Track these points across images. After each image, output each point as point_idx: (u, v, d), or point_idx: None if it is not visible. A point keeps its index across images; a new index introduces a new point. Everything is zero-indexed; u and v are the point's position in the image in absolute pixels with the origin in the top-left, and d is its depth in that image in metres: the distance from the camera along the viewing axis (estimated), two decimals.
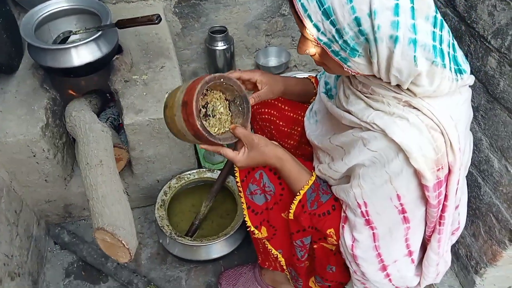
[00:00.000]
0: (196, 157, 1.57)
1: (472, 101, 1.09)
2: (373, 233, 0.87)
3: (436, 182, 0.77)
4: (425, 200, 0.81)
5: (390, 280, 0.92)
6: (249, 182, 1.02)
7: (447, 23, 0.86)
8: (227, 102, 0.96)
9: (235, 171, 1.05)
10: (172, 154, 1.43)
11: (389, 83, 0.77)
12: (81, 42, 1.25)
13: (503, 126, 1.03)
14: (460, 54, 0.80)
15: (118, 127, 1.60)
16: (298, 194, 0.95)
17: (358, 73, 0.78)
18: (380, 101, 0.80)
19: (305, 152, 1.24)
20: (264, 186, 1.02)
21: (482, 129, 1.11)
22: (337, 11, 0.68)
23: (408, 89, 0.77)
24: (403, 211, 0.83)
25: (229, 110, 0.96)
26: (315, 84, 1.18)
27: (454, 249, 1.33)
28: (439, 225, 0.85)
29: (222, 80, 0.89)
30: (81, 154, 1.11)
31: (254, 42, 2.04)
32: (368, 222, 0.87)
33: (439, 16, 0.72)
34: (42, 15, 1.35)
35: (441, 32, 0.73)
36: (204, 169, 1.50)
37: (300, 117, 1.19)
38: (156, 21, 1.18)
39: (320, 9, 0.70)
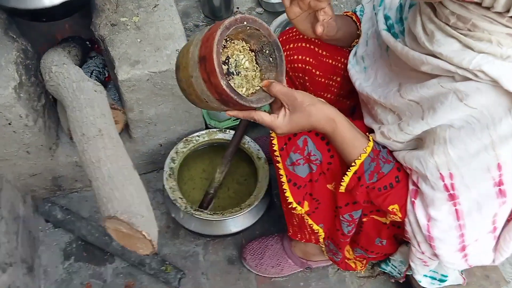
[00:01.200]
0: None
1: None
2: (456, 209, 0.71)
3: None
4: None
5: (466, 260, 0.78)
6: (290, 151, 0.84)
7: None
8: (253, 53, 0.77)
9: (271, 138, 0.86)
10: (177, 113, 1.20)
11: (500, 13, 0.57)
12: None
13: None
14: None
15: (104, 82, 1.33)
16: (353, 164, 0.77)
17: None
18: (486, 40, 0.60)
19: (343, 107, 1.05)
20: (309, 154, 0.84)
21: None
22: None
23: None
24: (499, 183, 0.67)
25: (256, 63, 0.77)
26: (357, 23, 0.96)
27: None
28: None
29: (245, 23, 0.69)
30: (72, 122, 0.87)
31: None
32: (452, 197, 0.70)
33: None
34: None
35: None
36: (215, 130, 1.29)
37: (340, 64, 0.97)
38: None
39: None
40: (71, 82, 0.93)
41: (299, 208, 0.92)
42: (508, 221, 0.78)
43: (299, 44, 0.95)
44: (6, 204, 1.15)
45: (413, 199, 0.76)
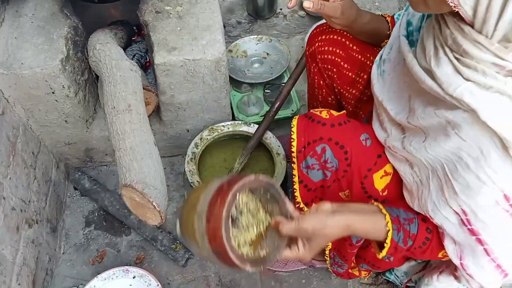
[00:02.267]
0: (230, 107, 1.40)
1: None
2: (484, 248, 0.70)
3: None
4: None
5: (505, 275, 0.75)
6: (307, 155, 0.87)
7: None
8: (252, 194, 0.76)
9: (292, 140, 0.89)
10: (206, 101, 1.26)
11: (490, 39, 0.55)
12: None
13: None
14: None
15: (145, 66, 1.42)
16: (385, 243, 0.77)
17: (456, 5, 0.54)
18: (473, 68, 0.59)
19: (359, 118, 1.06)
20: (326, 162, 0.86)
21: None
22: None
23: None
24: None
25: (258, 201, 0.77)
26: (390, 24, 0.97)
27: None
28: None
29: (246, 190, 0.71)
30: (106, 95, 0.95)
31: None
32: (473, 233, 0.69)
33: None
34: None
35: None
36: (240, 122, 1.33)
37: (368, 62, 0.98)
38: None
39: None
40: (111, 59, 1.01)
41: (306, 209, 0.94)
42: None
43: (331, 36, 0.97)
44: (41, 166, 1.25)
45: (444, 242, 0.76)
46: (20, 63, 1.07)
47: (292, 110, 1.49)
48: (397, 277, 1.08)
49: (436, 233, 0.77)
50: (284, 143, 1.32)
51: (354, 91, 1.03)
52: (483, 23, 0.54)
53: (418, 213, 0.79)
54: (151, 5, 1.20)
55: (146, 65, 1.42)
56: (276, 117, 1.28)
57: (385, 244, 0.77)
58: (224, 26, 1.81)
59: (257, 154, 1.32)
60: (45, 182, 1.26)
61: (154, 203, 0.81)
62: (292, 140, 0.90)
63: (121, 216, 1.31)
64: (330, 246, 1.03)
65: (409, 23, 0.78)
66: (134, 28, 1.41)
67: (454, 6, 0.54)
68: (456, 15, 0.57)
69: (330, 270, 1.16)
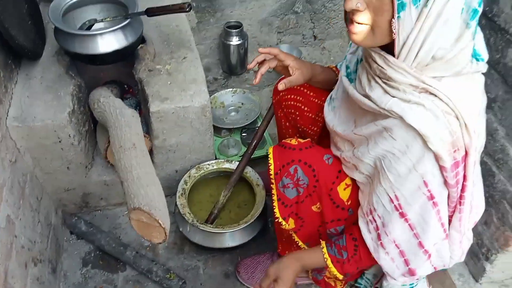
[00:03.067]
0: None
1: (489, 92, 1.16)
2: (409, 224, 0.90)
3: (453, 163, 0.81)
4: (445, 184, 0.84)
5: (430, 262, 0.95)
6: (282, 176, 1.05)
7: None
8: None
9: (269, 164, 1.07)
10: (193, 143, 1.45)
11: (410, 65, 0.78)
12: (109, 30, 1.27)
13: None
14: (480, 45, 0.82)
15: None
16: (326, 259, 1.03)
17: (392, 36, 0.76)
18: (396, 88, 0.81)
19: (324, 145, 1.27)
20: (298, 180, 1.04)
21: (499, 119, 1.16)
22: None
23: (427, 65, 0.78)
24: (431, 197, 0.86)
25: None
26: (336, 72, 1.22)
27: None
28: (460, 205, 0.89)
29: None
30: (113, 137, 1.12)
31: (266, 39, 2.08)
32: (402, 215, 0.89)
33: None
34: (68, 2, 1.36)
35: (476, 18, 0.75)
36: (222, 160, 1.52)
37: (323, 104, 1.22)
38: (187, 9, 1.21)
39: None
40: (115, 108, 1.20)
41: (284, 223, 1.10)
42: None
43: (292, 87, 1.20)
44: (43, 211, 1.37)
45: (377, 232, 0.95)
46: (33, 117, 1.24)
47: (267, 150, 1.70)
48: (368, 280, 1.24)
49: (361, 240, 0.99)
50: (262, 178, 1.50)
51: (315, 128, 1.26)
52: (408, 51, 0.77)
53: (344, 232, 1.03)
54: (144, 65, 1.43)
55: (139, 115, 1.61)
56: (253, 156, 1.48)
57: (325, 259, 1.02)
58: None
59: (239, 187, 1.50)
60: (46, 226, 1.37)
61: (160, 221, 0.96)
62: (269, 164, 1.08)
63: (117, 253, 1.42)
64: None
65: (347, 67, 1.03)
66: (125, 86, 1.62)
67: (394, 34, 0.75)
68: (383, 50, 0.81)
69: (310, 277, 1.30)
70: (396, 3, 0.72)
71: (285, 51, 1.14)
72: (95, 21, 1.42)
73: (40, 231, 1.31)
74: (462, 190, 0.87)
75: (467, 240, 1.00)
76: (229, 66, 2.02)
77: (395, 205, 0.90)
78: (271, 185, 1.09)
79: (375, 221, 0.94)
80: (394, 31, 0.75)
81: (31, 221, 1.25)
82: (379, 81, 0.84)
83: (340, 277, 1.04)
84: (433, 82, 0.79)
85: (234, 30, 1.89)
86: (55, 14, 1.30)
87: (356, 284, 1.30)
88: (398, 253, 0.93)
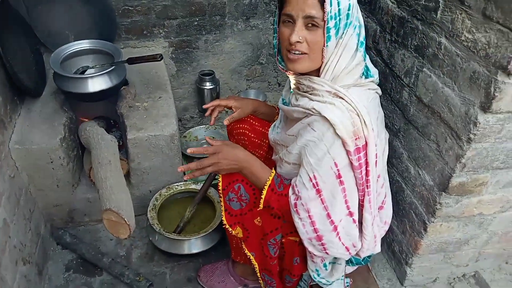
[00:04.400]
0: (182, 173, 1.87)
1: (395, 124, 1.47)
2: (321, 198, 1.14)
3: (355, 148, 1.08)
4: (352, 166, 1.11)
5: (339, 238, 1.17)
6: (229, 191, 1.28)
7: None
8: None
9: (218, 182, 1.30)
10: (164, 166, 1.73)
11: (327, 80, 1.12)
12: (97, 74, 1.60)
13: (415, 141, 1.38)
14: (371, 68, 1.18)
15: (120, 147, 1.90)
16: (268, 179, 1.21)
17: (322, 60, 1.09)
18: (317, 95, 1.13)
19: (270, 165, 1.56)
20: (241, 196, 1.28)
21: (403, 145, 1.46)
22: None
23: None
24: (339, 176, 1.11)
25: None
26: (276, 109, 1.54)
27: (391, 248, 1.63)
28: (367, 188, 1.14)
29: None
30: (94, 156, 1.41)
31: (236, 85, 2.43)
32: (318, 192, 1.14)
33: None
34: (66, 52, 1.71)
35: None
36: (189, 182, 1.80)
37: (266, 131, 1.52)
38: (159, 59, 1.55)
39: None
40: (97, 134, 1.50)
41: (230, 229, 1.32)
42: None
43: (241, 118, 1.51)
44: (34, 222, 1.62)
45: (295, 202, 1.18)
46: (30, 141, 1.53)
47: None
48: (305, 281, 1.47)
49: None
50: None
51: (261, 152, 1.55)
52: (327, 69, 1.10)
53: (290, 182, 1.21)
54: (126, 102, 1.75)
55: (120, 147, 1.90)
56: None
57: (267, 180, 1.20)
58: (181, 120, 2.39)
59: (204, 206, 1.76)
60: (36, 234, 1.62)
61: (125, 219, 1.22)
62: (219, 181, 1.35)
63: (95, 260, 1.65)
64: (258, 268, 1.41)
65: (283, 99, 1.35)
66: (112, 121, 1.93)
67: (323, 58, 1.08)
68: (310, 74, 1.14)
69: (261, 284, 1.52)
70: (325, 36, 1.05)
71: (252, 96, 1.49)
72: (88, 67, 1.76)
73: (30, 238, 1.56)
74: (367, 174, 1.13)
75: (377, 226, 1.24)
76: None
77: (313, 183, 1.13)
78: (220, 198, 1.34)
79: (296, 194, 1.18)
80: (324, 56, 1.09)
81: (23, 228, 1.51)
82: (305, 94, 1.16)
83: (261, 206, 1.22)
84: (342, 89, 1.11)
85: (207, 77, 2.24)
86: (55, 61, 1.64)
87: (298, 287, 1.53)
88: (310, 222, 1.16)
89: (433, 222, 1.35)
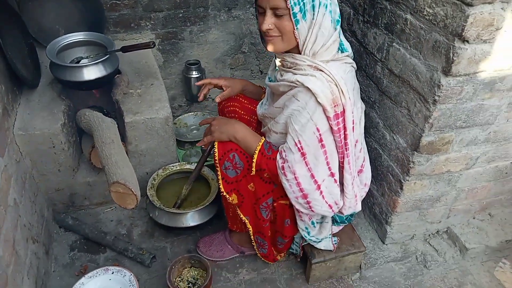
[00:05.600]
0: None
1: (371, 97, 1.63)
2: (305, 161, 1.28)
3: (334, 114, 1.22)
4: (331, 131, 1.25)
5: (323, 196, 1.32)
6: (224, 160, 1.38)
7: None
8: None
9: (214, 152, 1.41)
10: (160, 148, 1.85)
11: (308, 56, 1.24)
12: (92, 63, 1.70)
13: (389, 109, 1.55)
14: (345, 43, 1.31)
15: None
16: (258, 145, 1.35)
17: (296, 40, 1.21)
18: (300, 69, 1.26)
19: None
20: (236, 164, 1.39)
21: (379, 115, 1.63)
22: None
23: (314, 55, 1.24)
24: (321, 140, 1.26)
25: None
26: (263, 89, 1.68)
27: (373, 211, 1.80)
28: (346, 150, 1.29)
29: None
30: (97, 137, 1.51)
31: (221, 73, 2.56)
32: (302, 154, 1.28)
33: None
34: (61, 44, 1.79)
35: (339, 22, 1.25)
36: (184, 163, 1.91)
37: (255, 109, 1.65)
38: (152, 46, 1.66)
39: None
40: (98, 117, 1.60)
41: (228, 196, 1.45)
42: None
43: (231, 97, 1.64)
44: (39, 205, 1.71)
45: (282, 165, 1.32)
46: (33, 127, 1.62)
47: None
48: (297, 243, 1.61)
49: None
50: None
51: (250, 127, 1.67)
52: (306, 48, 1.23)
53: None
54: (120, 89, 1.85)
55: None
56: (211, 162, 1.88)
57: (257, 145, 1.33)
58: None
59: (199, 185, 1.88)
60: (41, 217, 1.70)
61: (132, 189, 1.33)
62: (215, 152, 1.48)
63: (98, 238, 1.75)
64: (252, 231, 1.55)
65: (269, 78, 1.48)
66: (105, 110, 2.02)
67: (296, 39, 1.22)
68: (290, 52, 1.27)
69: (259, 255, 1.66)
70: (293, 21, 1.19)
71: None
72: (81, 58, 1.85)
73: (36, 219, 1.64)
74: (345, 138, 1.27)
75: (357, 187, 1.39)
76: (191, 96, 2.47)
77: (298, 147, 1.27)
78: (217, 168, 1.47)
79: (283, 158, 1.31)
80: (296, 37, 1.22)
81: (30, 209, 1.59)
82: (289, 70, 1.29)
83: (253, 170, 1.35)
84: (321, 63, 1.24)
85: (193, 66, 2.36)
86: (51, 52, 1.72)
87: (290, 250, 1.68)
88: (296, 183, 1.30)
89: (408, 180, 1.52)
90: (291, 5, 1.16)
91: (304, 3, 1.17)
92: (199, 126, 2.31)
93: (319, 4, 1.17)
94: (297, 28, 1.20)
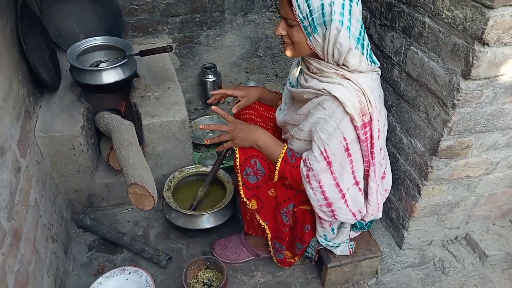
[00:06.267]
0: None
1: (388, 101, 1.62)
2: (331, 170, 1.27)
3: (362, 123, 1.21)
4: (359, 140, 1.24)
5: (347, 205, 1.32)
6: (246, 166, 1.37)
7: None
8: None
9: (236, 157, 1.40)
10: (176, 150, 1.87)
11: (331, 63, 1.22)
12: (111, 66, 1.74)
13: (406, 113, 1.54)
14: (374, 56, 1.27)
15: None
16: (281, 153, 1.33)
17: (312, 49, 1.20)
18: (326, 77, 1.24)
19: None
20: (257, 170, 1.38)
21: (396, 119, 1.61)
22: None
23: (343, 65, 1.21)
24: (347, 149, 1.25)
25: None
26: (279, 95, 1.68)
27: (389, 215, 1.78)
28: (372, 159, 1.28)
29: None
30: (115, 139, 1.54)
31: (236, 77, 2.57)
32: (328, 163, 1.27)
33: (363, 29, 1.20)
34: (81, 48, 1.84)
35: (364, 35, 1.20)
36: (200, 165, 1.93)
37: (271, 116, 1.66)
38: (170, 50, 1.69)
39: None
40: (116, 120, 1.63)
41: (247, 202, 1.44)
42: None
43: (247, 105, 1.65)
44: (58, 205, 1.74)
45: (307, 173, 1.31)
46: (53, 129, 1.65)
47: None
48: (312, 247, 1.61)
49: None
50: (232, 179, 1.90)
51: None
52: (328, 57, 1.21)
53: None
54: (138, 92, 1.88)
55: None
56: (226, 165, 1.89)
57: (280, 153, 1.32)
58: None
59: (215, 187, 1.89)
60: (60, 217, 1.74)
61: (150, 191, 1.35)
62: (236, 158, 1.47)
63: (116, 239, 1.78)
64: (270, 236, 1.53)
65: (290, 83, 1.47)
66: (122, 114, 2.06)
67: (312, 49, 1.21)
68: (314, 57, 1.25)
69: (275, 260, 1.65)
70: (305, 33, 1.19)
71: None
72: (101, 61, 1.89)
73: (56, 219, 1.68)
74: (372, 147, 1.26)
75: (381, 195, 1.38)
76: (207, 99, 2.48)
77: (324, 156, 1.26)
78: (237, 174, 1.43)
79: (308, 166, 1.30)
80: (311, 48, 1.22)
81: (50, 209, 1.63)
82: (314, 76, 1.27)
83: (276, 177, 1.33)
84: (347, 72, 1.22)
85: (209, 70, 2.38)
86: (71, 56, 1.77)
87: (305, 254, 1.67)
88: (320, 191, 1.29)
89: (426, 185, 1.50)
90: (300, 19, 1.16)
91: (313, 19, 1.14)
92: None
93: (331, 21, 1.12)
94: (310, 40, 1.20)
